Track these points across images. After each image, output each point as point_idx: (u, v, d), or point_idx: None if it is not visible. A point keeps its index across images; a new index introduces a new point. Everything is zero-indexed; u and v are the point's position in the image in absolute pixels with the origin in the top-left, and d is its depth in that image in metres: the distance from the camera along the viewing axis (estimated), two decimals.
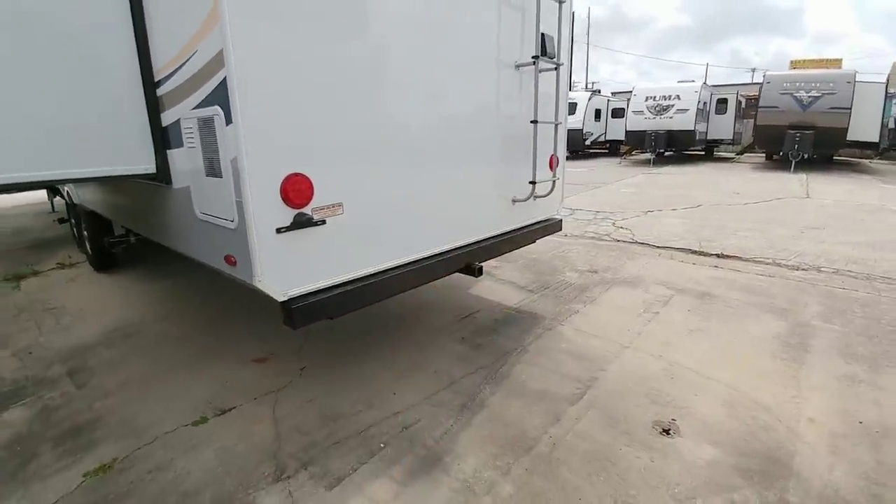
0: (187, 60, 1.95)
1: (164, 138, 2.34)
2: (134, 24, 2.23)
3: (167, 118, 2.27)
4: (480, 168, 2.92)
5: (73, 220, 6.11)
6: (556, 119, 3.19)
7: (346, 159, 2.11)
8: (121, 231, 4.88)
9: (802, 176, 12.46)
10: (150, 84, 2.28)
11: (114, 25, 2.21)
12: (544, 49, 2.92)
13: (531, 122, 2.97)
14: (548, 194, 3.32)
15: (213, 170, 1.99)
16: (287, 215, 1.92)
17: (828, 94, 13.26)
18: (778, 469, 2.03)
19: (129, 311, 4.11)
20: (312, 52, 1.92)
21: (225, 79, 1.72)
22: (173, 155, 2.34)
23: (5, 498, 2.01)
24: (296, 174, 1.91)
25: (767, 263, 4.96)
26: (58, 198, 7.68)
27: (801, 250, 5.40)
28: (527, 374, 2.83)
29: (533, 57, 2.85)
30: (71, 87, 2.16)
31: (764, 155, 17.02)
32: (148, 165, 2.41)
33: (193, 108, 2.00)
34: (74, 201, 5.36)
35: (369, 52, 2.16)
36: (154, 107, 2.31)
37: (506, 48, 2.86)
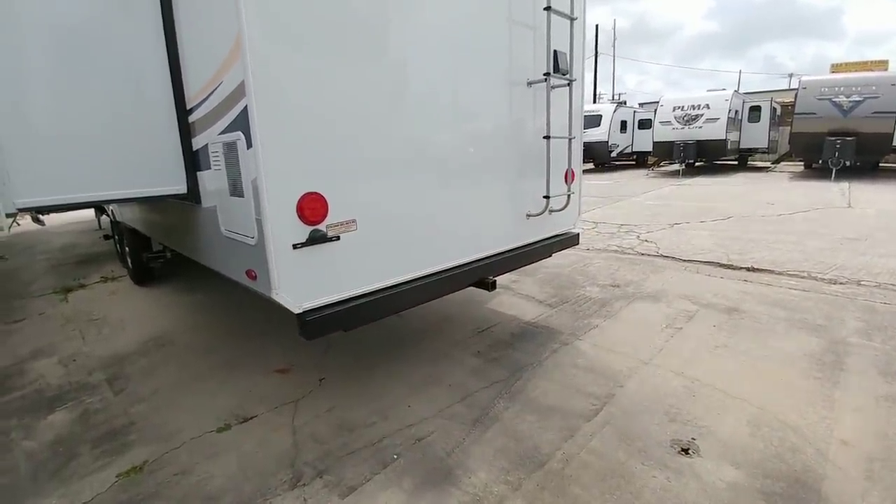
0: (215, 90, 2.10)
1: (194, 161, 2.52)
2: (169, 58, 2.43)
3: (197, 143, 2.44)
4: (494, 183, 2.98)
5: (116, 237, 6.50)
6: (570, 134, 3.21)
7: (359, 178, 2.21)
8: (158, 247, 5.17)
9: (844, 185, 11.89)
10: (182, 111, 2.47)
11: (152, 60, 2.42)
12: (557, 65, 2.97)
13: (544, 137, 3.01)
14: (563, 208, 3.33)
15: (236, 190, 2.12)
16: (303, 232, 2.03)
17: (870, 97, 12.65)
18: (805, 494, 1.94)
19: (163, 322, 4.33)
20: (327, 81, 2.04)
21: (246, 107, 1.85)
22: (202, 176, 2.50)
23: (47, 495, 2.16)
24: (311, 193, 2.02)
25: (802, 277, 4.76)
26: (104, 216, 8.19)
27: (840, 263, 5.16)
28: (542, 390, 2.82)
29: (544, 74, 2.90)
30: (116, 117, 2.39)
31: (802, 164, 16.36)
32: (180, 186, 2.59)
33: (220, 134, 2.14)
34: (118, 219, 5.72)
35: (382, 78, 2.27)
36: (186, 132, 2.50)
37: (519, 65, 2.92)
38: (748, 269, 5.08)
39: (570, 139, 3.23)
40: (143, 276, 5.59)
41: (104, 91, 2.35)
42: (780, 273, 4.91)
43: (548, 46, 2.85)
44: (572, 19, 3.00)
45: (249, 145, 1.91)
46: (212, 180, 2.38)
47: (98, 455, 2.43)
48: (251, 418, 2.67)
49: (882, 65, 17.69)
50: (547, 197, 3.14)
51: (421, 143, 2.49)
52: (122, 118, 2.40)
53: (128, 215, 5.12)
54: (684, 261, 5.53)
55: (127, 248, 5.60)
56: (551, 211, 3.22)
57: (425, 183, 2.54)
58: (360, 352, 3.45)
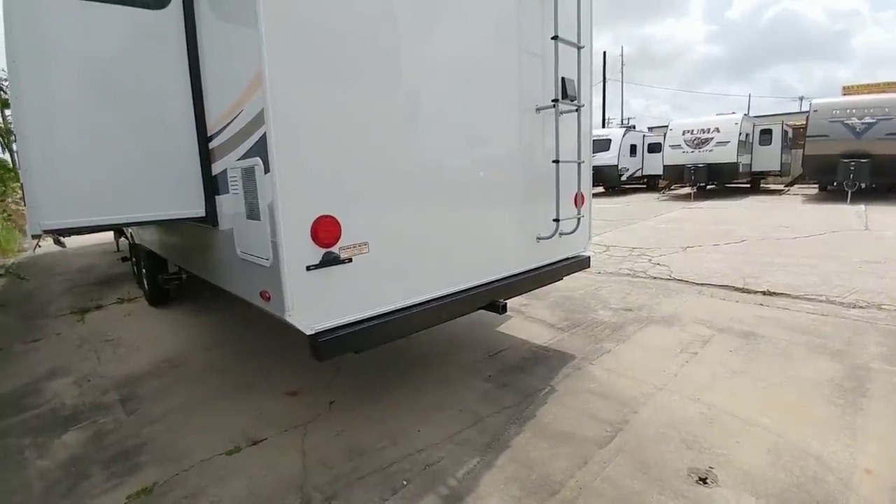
0: (235, 118, 2.19)
1: (213, 186, 2.60)
2: (192, 88, 2.54)
3: (216, 168, 2.53)
4: (504, 207, 3.01)
5: (133, 259, 6.65)
6: (579, 158, 3.25)
7: (372, 201, 2.26)
8: (174, 269, 5.27)
9: (860, 207, 11.73)
10: (203, 138, 2.57)
11: (176, 89, 2.54)
12: (565, 92, 3.03)
13: (553, 161, 3.05)
14: (573, 232, 3.35)
15: (252, 213, 2.18)
16: (316, 254, 2.07)
17: (883, 119, 12.61)
18: None
19: (176, 343, 4.38)
20: (342, 109, 2.11)
21: (265, 134, 1.92)
22: (220, 200, 2.57)
23: None
24: (325, 216, 2.07)
25: (820, 301, 4.66)
26: (122, 239, 8.40)
27: (859, 286, 5.05)
28: (554, 415, 2.77)
29: (553, 100, 2.96)
30: (140, 143, 2.49)
31: (817, 186, 16.21)
32: (199, 209, 2.67)
33: (238, 159, 2.22)
34: (136, 241, 5.87)
35: (395, 106, 2.34)
36: (206, 158, 2.59)
37: (528, 92, 2.99)
38: (764, 293, 4.99)
39: (579, 163, 3.27)
40: (159, 297, 5.69)
41: (130, 119, 2.46)
42: (797, 297, 4.82)
43: (556, 74, 2.92)
44: (579, 48, 3.08)
45: (267, 170, 1.97)
46: (229, 204, 2.45)
47: (109, 476, 2.43)
48: (261, 441, 2.66)
49: (894, 86, 17.58)
50: (557, 220, 3.16)
51: (433, 167, 2.55)
52: (147, 145, 2.50)
53: (146, 238, 5.25)
54: (698, 284, 5.46)
55: (144, 270, 5.71)
56: (561, 234, 3.24)
57: (437, 206, 2.59)
58: (369, 375, 3.44)
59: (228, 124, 2.28)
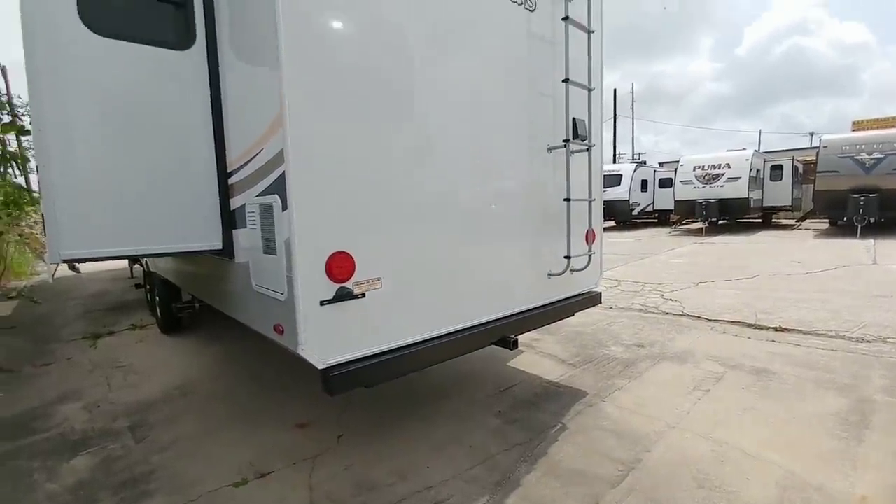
0: (255, 156, 2.29)
1: (231, 220, 2.68)
2: (214, 125, 2.66)
3: (235, 203, 2.62)
4: (517, 244, 3.05)
5: (147, 286, 6.75)
6: (590, 196, 3.31)
7: (386, 238, 2.32)
8: (187, 298, 5.35)
9: (869, 242, 11.61)
10: (223, 174, 2.67)
11: (199, 126, 2.65)
12: (576, 132, 3.12)
13: (564, 199, 3.10)
14: (584, 268, 3.36)
15: (269, 248, 2.24)
16: (330, 289, 2.11)
17: (892, 154, 12.66)
18: None
19: (187, 371, 4.40)
20: (359, 149, 2.20)
21: (284, 173, 2.00)
22: (237, 234, 2.65)
23: None
24: (340, 252, 2.12)
25: (830, 336, 4.61)
26: (136, 265, 8.56)
27: (867, 320, 5.00)
28: (565, 453, 2.72)
29: (564, 140, 3.05)
30: (162, 177, 2.58)
31: (827, 221, 16.10)
32: (216, 242, 2.74)
33: (257, 196, 2.30)
34: (151, 269, 5.98)
35: (410, 146, 2.43)
36: (225, 193, 2.68)
37: (540, 131, 3.08)
38: (776, 329, 4.92)
39: (590, 201, 3.32)
40: (171, 325, 5.74)
41: (152, 153, 2.54)
42: (807, 332, 4.76)
43: (567, 115, 3.01)
44: (590, 90, 3.18)
45: (285, 207, 2.04)
46: (246, 238, 2.53)
47: (118, 501, 2.43)
48: (268, 474, 2.64)
49: None
50: (568, 257, 3.19)
51: (445, 204, 2.61)
52: (168, 178, 2.59)
53: (160, 266, 5.35)
54: (710, 320, 5.39)
55: (157, 298, 5.80)
56: (573, 270, 3.26)
57: (449, 243, 2.63)
58: (379, 409, 3.42)
59: (248, 162, 2.38)
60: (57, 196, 2.33)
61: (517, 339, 2.98)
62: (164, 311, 5.61)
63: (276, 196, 2.11)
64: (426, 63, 2.47)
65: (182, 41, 2.61)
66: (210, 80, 2.65)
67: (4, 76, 15.36)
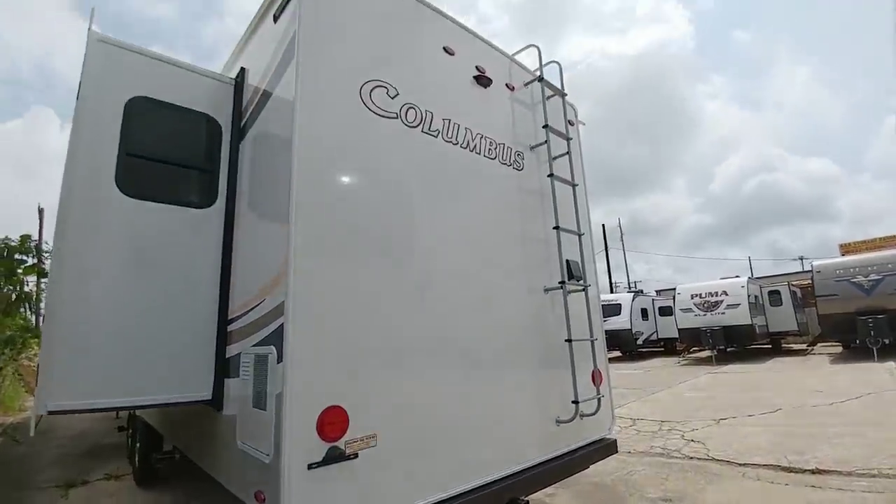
0: (256, 306, 2.31)
1: (224, 368, 2.60)
2: (221, 274, 2.74)
3: (231, 350, 2.57)
4: (521, 389, 2.91)
5: (130, 430, 6.29)
6: (592, 336, 3.25)
7: (383, 389, 2.21)
8: (169, 447, 4.93)
9: (890, 364, 11.12)
10: (224, 321, 2.67)
11: (207, 275, 2.74)
12: (571, 273, 3.19)
13: (565, 340, 3.04)
14: (595, 413, 3.15)
15: (259, 402, 2.12)
16: (320, 449, 1.93)
17: (889, 275, 12.85)
18: None
19: None
20: (360, 302, 2.22)
21: (282, 325, 1.99)
22: (229, 384, 2.55)
23: None
24: (334, 407, 2.00)
25: (874, 476, 4.12)
26: None
27: None
28: None
29: (560, 282, 3.11)
30: (162, 323, 2.57)
31: (840, 345, 15.69)
32: (206, 392, 2.62)
33: (253, 346, 2.26)
34: (136, 412, 5.63)
35: (411, 295, 2.46)
36: (223, 340, 2.64)
37: (536, 274, 3.16)
38: (813, 472, 4.42)
39: (592, 341, 3.25)
40: (147, 476, 5.21)
41: (158, 302, 2.58)
42: (848, 473, 4.26)
43: (560, 258, 3.13)
44: (580, 235, 3.35)
45: (280, 360, 1.98)
46: (237, 389, 2.42)
47: None
48: None
49: (893, 240, 18.27)
50: (576, 402, 3.01)
51: (445, 350, 2.55)
52: (171, 326, 2.58)
53: (147, 409, 5.05)
54: (740, 465, 4.88)
55: (138, 445, 5.36)
56: (582, 416, 3.04)
57: (450, 390, 2.51)
58: None
59: (250, 311, 2.39)
60: (56, 346, 2.30)
61: (528, 501, 2.64)
62: (143, 460, 5.13)
63: (273, 347, 2.07)
64: (426, 217, 2.63)
65: (205, 201, 2.84)
66: (224, 233, 2.81)
67: (41, 218, 16.51)
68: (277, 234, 2.19)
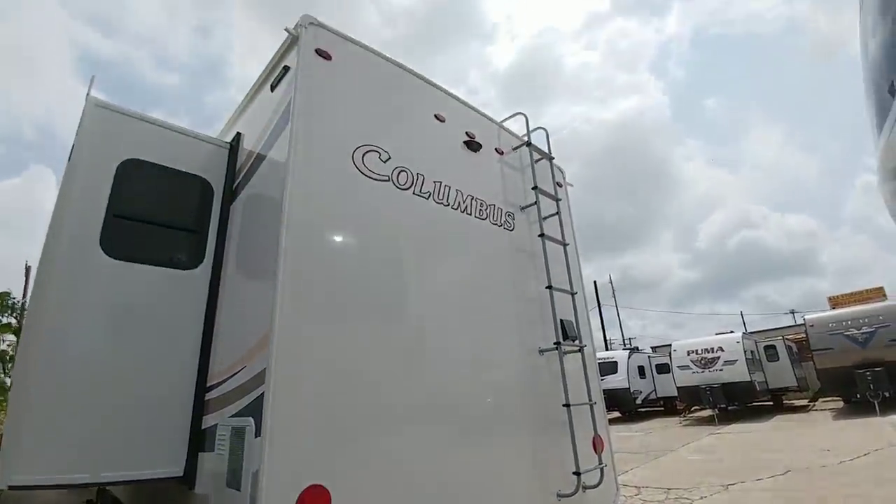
0: (237, 373, 2.19)
1: (198, 441, 2.42)
2: (203, 338, 2.63)
3: (207, 421, 2.40)
4: (518, 458, 2.74)
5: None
6: (591, 399, 3.11)
7: (368, 465, 2.05)
8: None
9: (893, 418, 10.83)
10: (202, 388, 2.52)
11: (188, 340, 2.61)
12: (566, 333, 3.12)
13: (563, 405, 2.91)
14: (598, 485, 2.94)
15: (233, 480, 1.95)
16: None
17: (881, 327, 12.84)
18: None
19: None
20: (345, 371, 2.12)
21: (262, 394, 1.87)
22: (203, 459, 2.36)
23: None
24: (314, 486, 1.83)
25: None
26: None
27: None
28: None
29: (555, 343, 3.02)
30: (140, 392, 2.42)
31: (841, 399, 15.35)
32: (177, 468, 2.42)
33: (231, 416, 2.12)
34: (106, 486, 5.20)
35: (399, 360, 2.36)
36: (200, 410, 2.48)
37: (529, 335, 3.08)
38: None
39: (591, 405, 3.11)
40: None
41: (134, 367, 2.43)
42: None
43: (554, 318, 3.06)
44: (573, 294, 3.31)
45: (258, 434, 1.84)
46: (212, 464, 2.23)
47: None
48: None
49: (879, 292, 18.49)
50: (577, 473, 2.82)
51: (437, 423, 2.41)
52: (144, 393, 2.42)
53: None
54: None
55: None
56: (584, 488, 2.84)
57: (443, 461, 2.35)
58: None
59: (230, 377, 2.26)
60: (23, 414, 2.15)
61: None
62: None
63: (251, 419, 1.93)
64: (417, 277, 2.60)
65: (191, 262, 2.77)
66: (209, 295, 2.73)
67: (27, 276, 16.10)
68: (263, 295, 2.11)
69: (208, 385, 2.51)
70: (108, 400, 2.34)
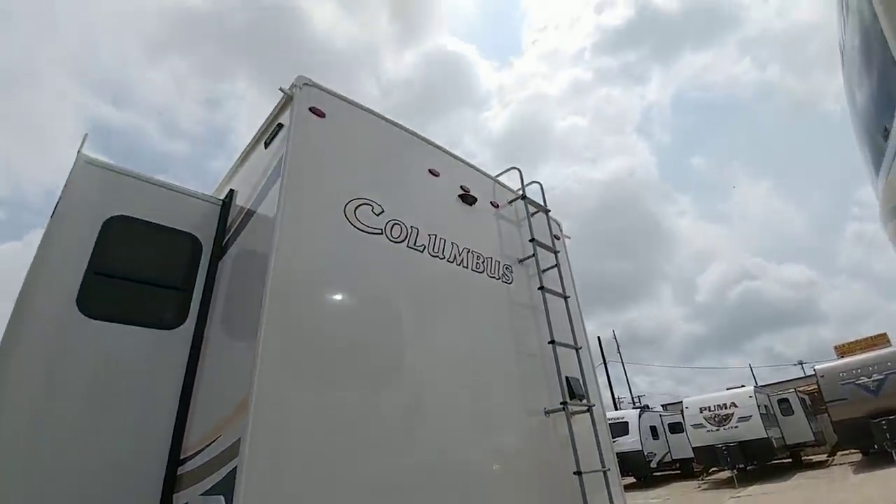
0: (212, 442, 1.98)
1: None
2: (180, 405, 2.43)
3: (178, 500, 2.16)
4: None
5: None
6: (604, 466, 2.83)
7: None
8: None
9: None
10: (174, 461, 2.29)
11: (167, 406, 2.41)
12: (572, 391, 2.92)
13: (574, 473, 2.65)
14: None
15: None
16: None
17: (891, 373, 12.51)
18: None
19: None
20: (333, 439, 1.94)
21: (235, 469, 1.67)
22: None
23: None
24: None
25: None
26: None
27: None
28: None
29: (561, 402, 2.82)
30: (108, 468, 2.17)
31: (859, 452, 14.58)
32: None
33: (202, 494, 1.90)
34: None
35: (393, 426, 2.18)
36: (170, 486, 2.24)
37: (535, 395, 2.88)
38: None
39: (605, 471, 2.83)
40: None
41: (102, 434, 2.22)
42: None
43: (559, 376, 2.87)
44: (577, 349, 3.14)
45: None
46: None
47: None
48: None
49: (883, 338, 18.28)
50: None
51: (435, 493, 2.18)
52: (111, 466, 2.19)
53: None
54: None
55: None
56: None
57: None
58: None
59: (204, 449, 2.05)
60: None
61: None
62: None
63: (222, 498, 1.71)
64: (412, 333, 2.47)
65: (174, 321, 2.64)
66: (189, 357, 2.57)
67: None
68: (243, 357, 1.96)
69: (182, 458, 2.28)
70: (69, 477, 2.12)
